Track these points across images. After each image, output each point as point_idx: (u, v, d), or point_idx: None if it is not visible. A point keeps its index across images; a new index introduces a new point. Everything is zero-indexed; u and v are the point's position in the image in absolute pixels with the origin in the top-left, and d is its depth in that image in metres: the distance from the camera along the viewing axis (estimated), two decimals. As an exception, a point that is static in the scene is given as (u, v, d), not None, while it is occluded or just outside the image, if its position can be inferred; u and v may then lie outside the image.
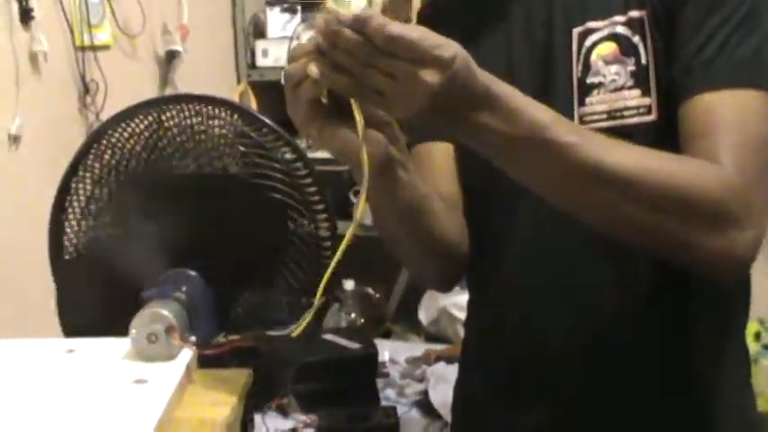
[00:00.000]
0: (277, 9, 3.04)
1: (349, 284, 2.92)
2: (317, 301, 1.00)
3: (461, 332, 1.48)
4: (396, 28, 0.86)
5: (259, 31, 3.15)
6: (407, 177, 1.11)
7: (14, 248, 2.01)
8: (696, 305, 1.18)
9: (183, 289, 1.10)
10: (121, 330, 1.07)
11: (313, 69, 0.90)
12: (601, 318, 1.19)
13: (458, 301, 2.71)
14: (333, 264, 0.98)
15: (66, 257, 1.23)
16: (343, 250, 0.95)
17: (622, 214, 1.00)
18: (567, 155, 0.96)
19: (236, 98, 3.06)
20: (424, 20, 1.31)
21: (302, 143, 3.08)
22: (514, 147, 0.96)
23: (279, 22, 3.04)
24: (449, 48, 0.88)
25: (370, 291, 3.10)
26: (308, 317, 1.01)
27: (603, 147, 0.98)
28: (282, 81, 0.96)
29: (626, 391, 1.20)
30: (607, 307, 1.19)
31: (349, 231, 0.93)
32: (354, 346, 2.29)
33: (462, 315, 1.66)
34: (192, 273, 1.12)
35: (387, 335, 3.06)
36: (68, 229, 1.26)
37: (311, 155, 2.86)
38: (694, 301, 1.18)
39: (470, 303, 1.41)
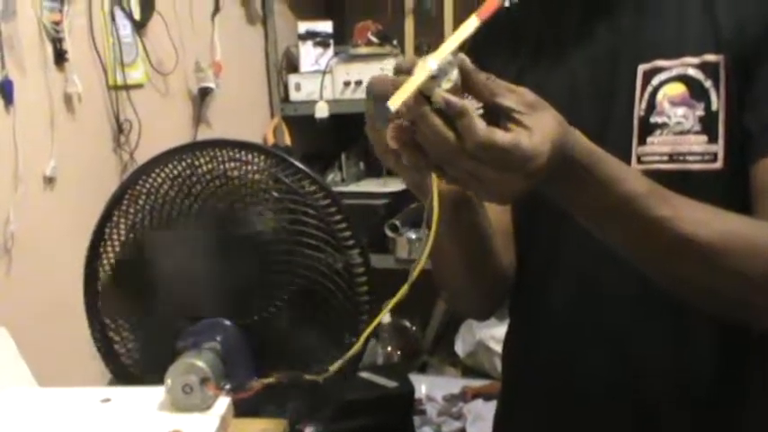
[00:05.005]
0: (309, 43, 3.03)
1: (385, 317, 2.90)
2: (357, 347, 0.99)
3: (498, 365, 1.45)
4: (495, 136, 0.79)
5: (292, 66, 3.15)
6: (477, 218, 1.10)
7: (50, 291, 2.01)
8: (753, 355, 1.14)
9: (218, 338, 1.09)
10: (159, 378, 1.07)
11: (391, 142, 0.83)
12: (639, 359, 1.16)
13: (495, 334, 2.69)
14: (382, 313, 0.98)
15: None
16: (397, 301, 0.92)
17: (701, 283, 0.98)
18: (660, 228, 0.93)
19: (269, 133, 3.06)
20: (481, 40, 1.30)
21: (337, 176, 3.10)
22: (603, 216, 0.94)
23: (311, 56, 3.04)
24: (540, 156, 0.82)
25: (407, 323, 3.08)
26: (346, 357, 0.99)
27: (696, 219, 0.95)
28: (365, 95, 0.87)
29: None
30: (650, 351, 1.15)
31: (403, 288, 0.90)
32: (391, 384, 2.27)
33: (499, 348, 1.62)
34: (227, 322, 1.11)
35: (423, 368, 3.04)
36: (103, 275, 1.26)
37: (346, 188, 2.88)
38: (750, 353, 1.14)
39: (509, 335, 1.37)
